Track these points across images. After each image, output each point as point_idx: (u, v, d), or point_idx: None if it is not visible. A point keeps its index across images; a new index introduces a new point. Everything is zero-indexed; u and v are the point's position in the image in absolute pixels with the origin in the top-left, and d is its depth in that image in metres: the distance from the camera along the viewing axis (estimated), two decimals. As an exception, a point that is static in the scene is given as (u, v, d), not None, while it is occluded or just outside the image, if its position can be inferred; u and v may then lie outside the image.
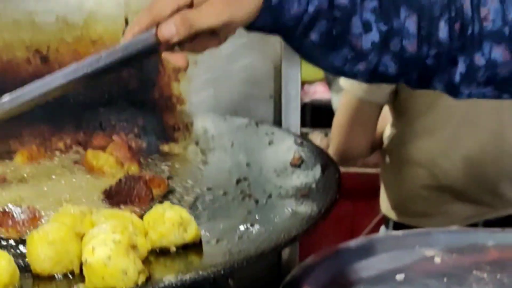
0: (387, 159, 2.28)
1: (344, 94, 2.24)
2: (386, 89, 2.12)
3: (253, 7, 1.21)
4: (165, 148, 1.76)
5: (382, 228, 2.38)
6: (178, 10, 1.19)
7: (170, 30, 1.18)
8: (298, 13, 1.22)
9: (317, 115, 3.63)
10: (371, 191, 2.48)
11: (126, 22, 1.82)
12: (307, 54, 1.32)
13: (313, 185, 1.40)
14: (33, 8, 1.81)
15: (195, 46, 1.26)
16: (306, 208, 1.30)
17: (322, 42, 1.26)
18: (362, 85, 2.10)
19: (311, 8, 1.22)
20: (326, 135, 3.04)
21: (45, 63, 1.85)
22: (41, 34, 1.83)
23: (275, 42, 1.83)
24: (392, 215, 2.27)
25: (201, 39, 1.24)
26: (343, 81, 2.22)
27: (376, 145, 2.33)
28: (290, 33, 1.26)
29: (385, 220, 2.35)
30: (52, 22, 1.82)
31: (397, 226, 2.25)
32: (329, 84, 3.79)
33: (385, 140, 2.28)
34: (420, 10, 1.24)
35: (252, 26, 1.25)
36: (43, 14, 1.81)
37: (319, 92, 4.06)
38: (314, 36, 1.25)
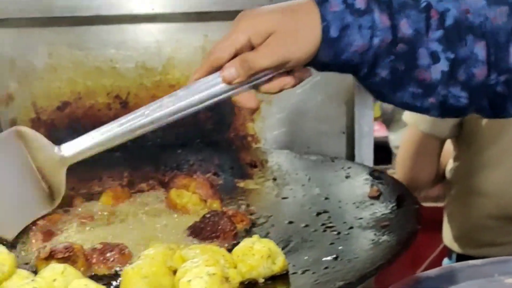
0: (452, 190, 2.28)
1: (408, 128, 2.26)
2: (450, 122, 2.14)
3: (310, 43, 1.25)
4: (241, 184, 1.80)
5: (445, 260, 2.38)
6: (237, 54, 1.26)
7: (231, 73, 1.26)
8: (362, 47, 1.25)
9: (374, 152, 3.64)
10: (432, 224, 2.48)
11: (203, 66, 1.88)
12: (377, 91, 1.35)
13: (393, 216, 1.43)
14: (113, 56, 1.88)
15: (271, 87, 1.31)
16: (387, 239, 1.33)
17: (389, 79, 1.28)
18: (426, 119, 2.12)
19: (375, 41, 1.24)
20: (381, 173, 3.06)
21: (125, 107, 1.92)
22: (121, 80, 1.90)
23: (347, 78, 1.86)
24: (455, 247, 2.27)
25: (276, 80, 1.30)
26: (406, 116, 2.24)
27: (438, 177, 2.34)
28: (357, 70, 1.29)
29: (448, 252, 2.35)
30: (132, 68, 1.89)
31: (461, 257, 2.24)
32: (387, 122, 3.82)
33: (449, 173, 2.28)
34: (487, 37, 1.25)
35: (317, 63, 1.29)
36: (123, 61, 1.89)
37: (375, 130, 4.08)
38: (381, 73, 1.27)
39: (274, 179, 1.77)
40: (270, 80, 1.30)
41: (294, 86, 1.34)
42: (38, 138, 1.46)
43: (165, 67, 1.89)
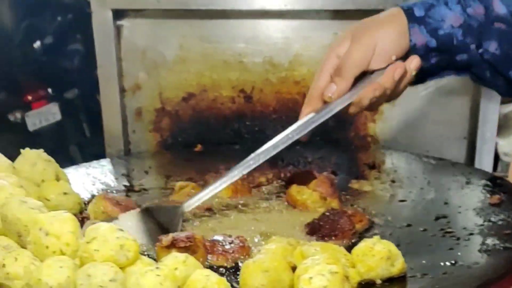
0: None
1: None
2: None
3: (394, 25, 1.38)
4: (356, 185, 1.79)
5: None
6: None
7: (331, 87, 1.39)
8: (456, 19, 1.33)
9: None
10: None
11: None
12: (492, 79, 1.41)
13: (515, 222, 1.41)
14: (242, 50, 1.91)
15: (384, 80, 1.35)
16: (510, 247, 1.31)
17: (500, 53, 1.30)
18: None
19: (469, 11, 1.34)
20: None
21: (248, 102, 1.94)
22: (247, 74, 1.93)
23: (474, 85, 1.84)
24: None
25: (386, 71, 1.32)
26: None
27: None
28: (465, 49, 1.31)
29: None
30: (259, 63, 1.92)
31: None
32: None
33: None
34: None
35: (422, 53, 1.37)
36: (251, 56, 1.92)
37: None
38: (489, 47, 1.31)
39: (393, 181, 1.76)
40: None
41: (408, 76, 1.40)
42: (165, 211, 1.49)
43: (291, 63, 1.91)
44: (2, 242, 1.26)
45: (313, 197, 1.60)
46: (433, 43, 1.37)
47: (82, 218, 1.53)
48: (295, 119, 1.89)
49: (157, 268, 1.13)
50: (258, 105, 1.95)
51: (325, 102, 1.41)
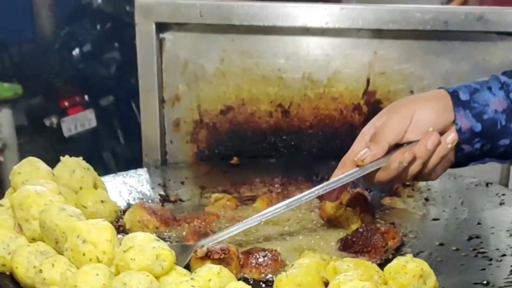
0: None
1: None
2: None
3: (437, 103, 1.41)
4: (388, 201, 1.79)
5: None
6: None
7: (364, 152, 1.41)
8: (501, 104, 1.41)
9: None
10: None
11: (368, 82, 1.91)
12: None
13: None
14: (282, 65, 1.93)
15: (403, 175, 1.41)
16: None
17: None
18: None
19: None
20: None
21: (286, 116, 1.96)
22: (285, 90, 1.95)
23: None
24: None
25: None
26: None
27: None
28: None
29: None
30: (298, 78, 1.94)
31: None
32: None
33: None
34: None
35: (468, 137, 1.41)
36: (290, 71, 1.93)
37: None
38: None
39: (426, 199, 1.76)
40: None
41: (444, 150, 1.41)
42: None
43: (330, 80, 1.92)
44: (40, 247, 1.28)
45: (347, 213, 1.61)
46: (478, 127, 1.39)
47: (118, 226, 1.57)
48: (331, 135, 1.92)
49: (191, 279, 1.15)
50: (295, 120, 1.97)
51: (358, 166, 1.42)
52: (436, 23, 1.82)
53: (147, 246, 1.18)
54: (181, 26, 1.93)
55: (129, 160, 4.49)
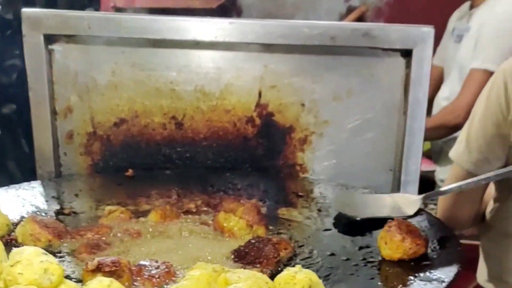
0: (490, 231, 2.28)
1: (453, 166, 2.26)
2: (494, 165, 2.13)
3: None
4: (284, 212, 1.81)
5: (479, 300, 2.38)
6: None
7: None
8: None
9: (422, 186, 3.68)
10: (467, 261, 2.48)
11: (260, 95, 1.93)
12: None
13: (435, 256, 1.45)
14: (174, 78, 1.93)
15: None
16: (428, 277, 1.35)
17: None
18: (471, 159, 2.13)
19: None
20: (426, 206, 3.07)
21: (179, 129, 1.97)
22: (178, 102, 1.95)
23: (400, 119, 1.90)
24: (489, 286, 2.27)
25: None
26: (452, 153, 2.24)
27: (478, 218, 2.34)
28: None
29: (481, 291, 2.35)
30: (190, 91, 1.94)
31: (494, 297, 2.25)
32: (436, 156, 3.84)
33: (489, 214, 2.28)
34: None
35: None
36: (183, 84, 1.94)
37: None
38: None
39: (319, 210, 1.79)
40: None
41: None
42: None
43: (222, 92, 1.94)
44: None
45: (239, 224, 1.62)
46: None
47: (10, 240, 1.54)
48: (225, 147, 1.94)
49: (79, 292, 1.15)
50: (189, 132, 1.97)
51: None
52: (324, 38, 1.85)
53: (34, 260, 1.16)
54: (70, 38, 1.91)
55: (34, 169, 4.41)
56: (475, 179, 1.69)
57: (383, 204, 1.68)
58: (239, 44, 1.87)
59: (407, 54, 1.86)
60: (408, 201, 1.72)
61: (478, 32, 3.47)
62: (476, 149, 2.10)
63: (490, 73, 2.98)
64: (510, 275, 2.20)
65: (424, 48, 1.83)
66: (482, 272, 2.32)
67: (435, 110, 3.73)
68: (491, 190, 2.28)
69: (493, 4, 3.49)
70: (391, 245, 1.45)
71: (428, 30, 1.83)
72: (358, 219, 1.65)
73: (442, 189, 1.64)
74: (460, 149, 2.15)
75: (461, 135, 2.18)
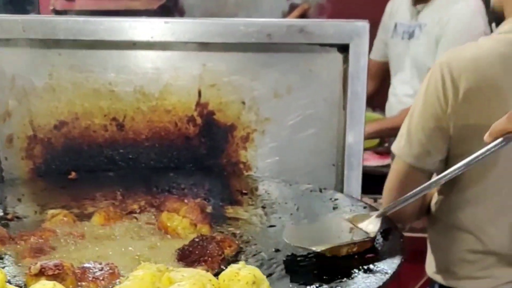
0: (435, 224, 2.31)
1: (395, 160, 2.29)
2: (435, 157, 2.17)
3: None
4: (230, 210, 1.82)
5: (428, 291, 2.42)
6: None
7: None
8: None
9: (366, 181, 3.70)
10: (416, 254, 2.51)
11: (199, 94, 1.93)
12: None
13: (378, 248, 1.48)
14: (113, 79, 1.92)
15: None
16: (373, 269, 1.38)
17: None
18: (413, 152, 2.16)
19: None
20: (375, 200, 3.09)
21: (121, 130, 1.96)
22: (118, 103, 1.94)
23: (340, 114, 1.92)
24: (438, 278, 2.30)
25: None
26: (394, 147, 2.27)
27: (423, 211, 2.37)
28: None
29: (431, 283, 2.38)
30: (129, 92, 1.93)
31: (443, 289, 2.29)
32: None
33: (433, 206, 2.31)
34: None
35: None
36: (122, 85, 1.93)
37: (367, 159, 4.15)
38: None
39: (263, 207, 1.80)
40: None
41: None
42: None
43: (162, 93, 1.93)
44: None
45: (183, 224, 1.62)
46: None
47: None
48: (168, 147, 1.94)
49: (22, 297, 1.14)
50: (130, 133, 1.96)
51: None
52: (260, 35, 1.85)
53: (-26, 266, 1.15)
54: (5, 42, 1.88)
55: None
56: (435, 179, 1.69)
57: (340, 229, 1.63)
58: (176, 43, 1.87)
59: (344, 49, 1.88)
60: (365, 220, 1.62)
61: (439, 29, 3.51)
62: (416, 142, 2.13)
63: None
64: (457, 266, 2.23)
65: (360, 43, 1.84)
66: (430, 264, 2.35)
67: (396, 106, 3.77)
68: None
69: (448, 2, 3.53)
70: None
71: (363, 25, 1.85)
72: (318, 250, 1.47)
73: (402, 198, 1.62)
74: (401, 143, 2.18)
75: (402, 129, 2.20)
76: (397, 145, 2.20)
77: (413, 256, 2.63)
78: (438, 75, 2.09)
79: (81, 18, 1.87)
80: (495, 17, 2.29)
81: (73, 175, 1.96)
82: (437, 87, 2.09)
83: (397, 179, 2.23)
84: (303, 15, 4.65)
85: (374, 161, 3.98)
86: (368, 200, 3.49)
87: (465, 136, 2.08)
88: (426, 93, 2.13)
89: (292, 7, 4.77)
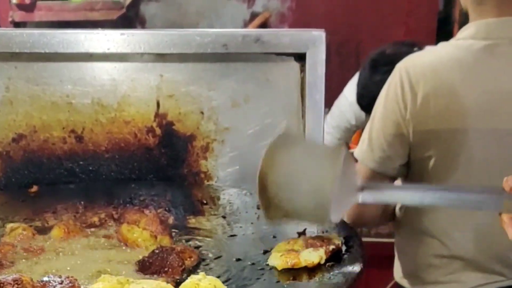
0: (401, 229, 2.33)
1: (358, 165, 2.30)
2: (397, 162, 2.18)
3: None
4: (193, 221, 1.82)
5: (396, 296, 2.43)
6: None
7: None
8: None
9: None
10: (384, 260, 2.52)
11: (158, 104, 1.93)
12: None
13: (340, 255, 1.47)
14: (70, 91, 1.91)
15: None
16: (334, 279, 1.38)
17: None
18: (374, 157, 2.17)
19: None
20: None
21: (80, 142, 1.95)
22: (77, 115, 1.93)
23: (299, 122, 1.93)
24: (405, 283, 2.32)
25: None
26: (356, 152, 2.28)
27: (388, 215, 2.38)
28: None
29: (398, 288, 2.39)
30: (87, 104, 1.93)
31: (410, 293, 2.30)
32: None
33: (398, 211, 2.33)
34: None
35: None
36: (79, 97, 1.92)
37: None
38: None
39: (224, 217, 1.80)
40: None
41: None
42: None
43: (120, 104, 1.93)
44: None
45: (143, 235, 1.61)
46: None
47: None
48: (128, 158, 1.93)
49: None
50: (90, 145, 1.95)
51: None
52: (216, 46, 1.86)
53: None
54: (-41, 55, 1.87)
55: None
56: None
57: None
58: (133, 54, 1.87)
59: (300, 58, 1.89)
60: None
61: None
62: (378, 147, 2.15)
63: None
64: (424, 271, 2.24)
65: (316, 52, 1.85)
66: (397, 269, 2.36)
67: None
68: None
69: None
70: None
71: (319, 34, 1.86)
72: None
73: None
74: (363, 148, 2.19)
75: (364, 134, 2.22)
76: (360, 150, 2.22)
77: (380, 262, 2.67)
78: (398, 80, 2.11)
79: (36, 31, 1.85)
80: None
81: (34, 188, 1.94)
82: (396, 92, 2.11)
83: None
84: (264, 24, 4.67)
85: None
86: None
87: (424, 141, 2.10)
88: (386, 99, 2.15)
89: (253, 16, 4.79)
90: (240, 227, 1.74)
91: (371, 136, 2.17)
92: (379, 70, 3.22)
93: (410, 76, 2.09)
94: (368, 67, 3.33)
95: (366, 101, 3.27)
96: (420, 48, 3.01)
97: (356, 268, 1.40)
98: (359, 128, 3.60)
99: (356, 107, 3.49)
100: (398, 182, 2.33)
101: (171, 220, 1.80)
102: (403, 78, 2.10)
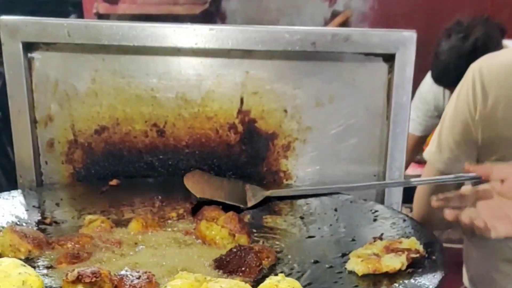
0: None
1: (427, 165, 2.26)
2: (464, 164, 2.14)
3: None
4: (269, 220, 1.81)
5: (466, 301, 2.39)
6: None
7: None
8: None
9: (404, 190, 3.68)
10: (454, 265, 2.48)
11: (241, 101, 1.92)
12: None
13: (420, 261, 1.44)
14: (155, 85, 1.92)
15: None
16: (414, 284, 1.35)
17: None
18: (443, 158, 2.13)
19: None
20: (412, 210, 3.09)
21: (161, 136, 1.95)
22: (160, 109, 1.94)
23: (383, 124, 1.90)
24: None
25: None
26: (426, 154, 2.24)
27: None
28: None
29: (468, 294, 2.35)
30: (171, 98, 1.93)
31: (480, 299, 2.26)
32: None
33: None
34: None
35: None
36: (163, 91, 1.92)
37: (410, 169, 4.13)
38: None
39: (301, 218, 1.78)
40: None
41: None
42: None
43: (204, 99, 1.92)
44: None
45: (221, 233, 1.61)
46: None
47: (-10, 250, 1.52)
48: (208, 154, 1.92)
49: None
50: (171, 139, 1.95)
51: None
52: (305, 44, 1.84)
53: (12, 272, 1.15)
54: (49, 46, 1.89)
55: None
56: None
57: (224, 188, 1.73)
58: (220, 50, 1.86)
59: (389, 58, 1.86)
60: (254, 192, 1.81)
61: None
62: (446, 148, 2.11)
63: None
64: (490, 276, 2.20)
65: (406, 53, 1.82)
66: (467, 275, 2.32)
67: None
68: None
69: None
70: None
71: (410, 34, 1.83)
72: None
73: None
74: (432, 148, 2.16)
75: (434, 135, 2.18)
76: (429, 151, 2.19)
77: (450, 267, 2.62)
78: (470, 81, 2.06)
79: (126, 24, 1.86)
80: None
81: (114, 182, 1.95)
82: (468, 93, 2.06)
83: (428, 184, 2.19)
84: (344, 23, 4.64)
85: (413, 170, 3.95)
86: (405, 209, 3.48)
87: (492, 144, 2.04)
88: (457, 99, 2.10)
89: (334, 14, 4.77)
90: (318, 228, 1.73)
91: (440, 136, 2.14)
92: (451, 38, 3.32)
93: (483, 77, 2.03)
94: (442, 35, 3.40)
95: (438, 70, 3.32)
96: (495, 25, 3.13)
97: (437, 275, 1.38)
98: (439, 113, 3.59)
99: (435, 87, 3.53)
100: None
101: (247, 219, 1.79)
102: (475, 78, 2.04)
